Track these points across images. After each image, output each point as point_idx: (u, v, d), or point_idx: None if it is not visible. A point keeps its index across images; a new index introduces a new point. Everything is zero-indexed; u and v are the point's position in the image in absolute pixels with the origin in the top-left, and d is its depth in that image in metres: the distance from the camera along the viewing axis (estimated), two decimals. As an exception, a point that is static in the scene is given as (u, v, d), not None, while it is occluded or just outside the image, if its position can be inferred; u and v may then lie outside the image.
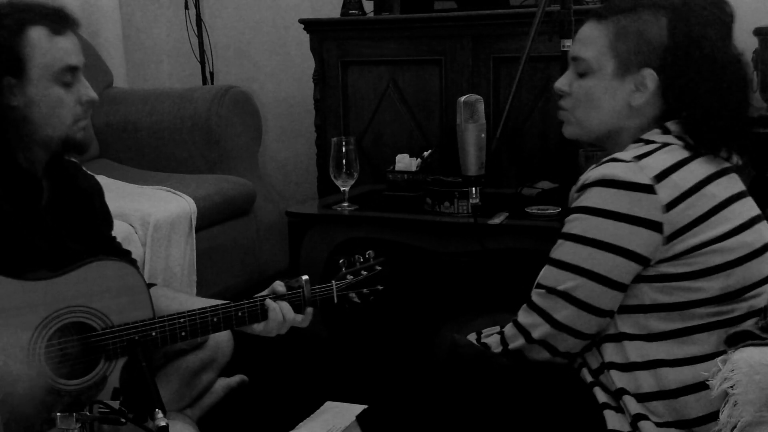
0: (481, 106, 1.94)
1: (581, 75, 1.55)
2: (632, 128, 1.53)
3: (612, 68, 1.51)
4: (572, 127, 1.60)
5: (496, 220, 2.36)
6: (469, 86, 2.95)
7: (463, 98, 1.94)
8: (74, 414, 1.36)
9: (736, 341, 1.42)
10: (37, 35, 1.63)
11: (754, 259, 1.46)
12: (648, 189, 1.41)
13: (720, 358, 1.39)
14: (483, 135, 1.92)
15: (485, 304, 1.90)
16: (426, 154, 2.72)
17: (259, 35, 3.83)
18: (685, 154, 1.46)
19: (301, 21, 3.26)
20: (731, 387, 1.35)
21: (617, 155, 1.46)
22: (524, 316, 1.51)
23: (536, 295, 1.50)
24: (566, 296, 1.45)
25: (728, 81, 1.47)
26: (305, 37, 3.26)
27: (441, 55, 3.04)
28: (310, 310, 1.78)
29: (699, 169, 1.45)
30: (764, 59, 2.67)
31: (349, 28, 3.20)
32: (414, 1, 3.15)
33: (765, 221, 1.52)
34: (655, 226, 1.41)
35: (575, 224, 1.46)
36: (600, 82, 1.53)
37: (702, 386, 1.43)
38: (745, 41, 2.81)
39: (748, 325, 1.46)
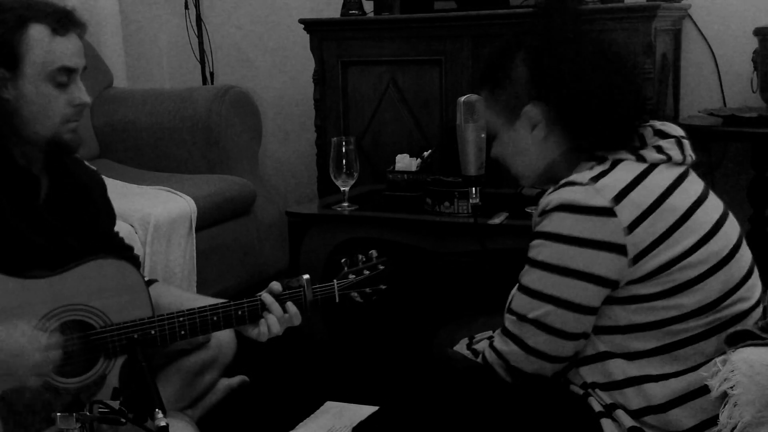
0: (481, 106, 1.93)
1: (494, 138, 1.61)
2: (564, 156, 1.53)
3: (503, 122, 1.56)
4: (521, 180, 1.63)
5: (496, 220, 2.36)
6: (469, 86, 2.94)
7: (463, 98, 1.94)
8: (74, 414, 1.36)
9: (735, 341, 1.41)
10: (38, 33, 1.64)
11: (725, 266, 1.44)
12: (607, 212, 1.39)
13: (719, 358, 1.38)
14: (483, 135, 1.92)
15: (485, 305, 1.89)
16: (426, 154, 2.72)
17: (259, 35, 3.82)
18: (640, 167, 1.44)
19: (301, 21, 3.26)
20: (731, 387, 1.34)
21: (573, 178, 1.45)
22: (500, 342, 1.51)
23: (509, 322, 1.50)
24: (537, 324, 1.45)
25: (616, 77, 1.49)
26: (305, 37, 3.26)
27: (441, 55, 3.03)
28: (289, 305, 1.74)
29: (657, 181, 1.44)
30: (764, 59, 2.67)
31: (349, 28, 3.20)
32: (414, 1, 3.15)
33: (730, 218, 1.51)
34: (618, 248, 1.39)
35: (540, 250, 1.45)
36: (505, 137, 1.57)
37: (691, 396, 1.42)
38: (745, 41, 2.82)
39: (747, 325, 1.45)
